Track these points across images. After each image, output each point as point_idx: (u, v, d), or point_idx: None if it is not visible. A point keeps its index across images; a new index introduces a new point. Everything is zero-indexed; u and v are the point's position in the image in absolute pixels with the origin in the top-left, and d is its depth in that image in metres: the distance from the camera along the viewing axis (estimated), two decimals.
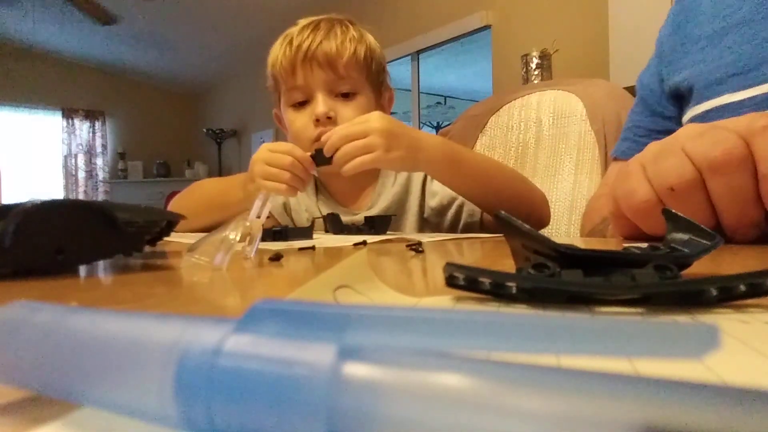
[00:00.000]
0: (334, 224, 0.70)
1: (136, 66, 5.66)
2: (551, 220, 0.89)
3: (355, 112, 0.81)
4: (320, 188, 0.95)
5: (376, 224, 0.65)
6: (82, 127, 5.81)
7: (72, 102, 5.70)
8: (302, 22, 0.88)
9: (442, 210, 0.85)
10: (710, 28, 0.61)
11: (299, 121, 0.85)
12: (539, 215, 0.81)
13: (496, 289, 0.18)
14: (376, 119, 0.66)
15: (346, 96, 0.84)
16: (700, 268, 0.24)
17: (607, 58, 2.28)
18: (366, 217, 0.68)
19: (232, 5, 4.12)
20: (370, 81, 0.88)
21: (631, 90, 0.87)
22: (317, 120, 0.81)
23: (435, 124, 5.44)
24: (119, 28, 4.60)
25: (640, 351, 0.07)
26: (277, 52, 0.85)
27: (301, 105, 0.85)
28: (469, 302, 0.19)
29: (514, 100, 1.10)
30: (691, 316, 0.17)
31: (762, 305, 0.18)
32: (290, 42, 0.84)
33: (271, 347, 0.08)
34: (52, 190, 5.58)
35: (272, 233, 0.55)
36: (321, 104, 0.81)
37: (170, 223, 0.37)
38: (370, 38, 0.90)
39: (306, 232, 0.59)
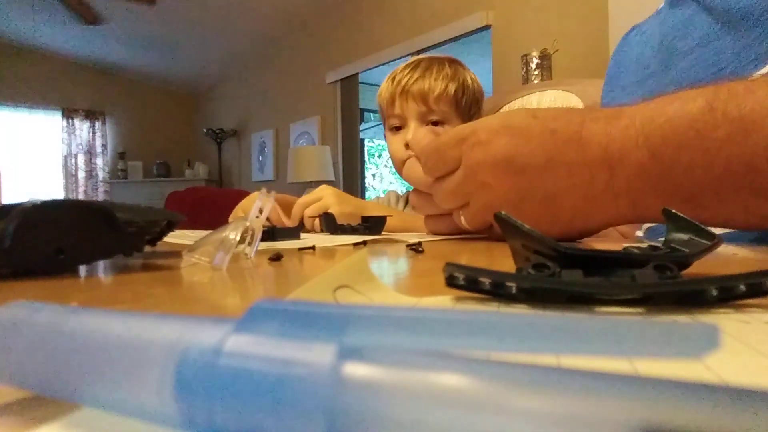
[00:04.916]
0: (329, 224, 0.70)
1: (137, 66, 5.67)
2: None
3: None
4: None
5: (371, 224, 0.64)
6: (82, 127, 5.81)
7: (72, 102, 5.70)
8: (408, 62, 1.07)
9: None
10: (633, 79, 0.68)
11: (394, 144, 1.05)
12: None
13: (496, 289, 0.18)
14: (324, 188, 0.87)
15: (436, 124, 1.01)
16: (700, 268, 0.24)
17: (607, 58, 2.28)
18: (362, 217, 0.68)
19: (233, 5, 4.12)
20: (459, 112, 1.02)
21: None
22: (407, 144, 0.98)
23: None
24: (119, 28, 4.60)
25: (640, 351, 0.07)
26: (383, 86, 1.05)
27: (398, 130, 1.05)
28: (469, 302, 0.19)
29: (514, 100, 1.10)
30: (691, 316, 0.17)
31: (762, 305, 0.18)
32: (393, 78, 1.03)
33: (271, 347, 0.08)
34: (52, 190, 5.57)
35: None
36: (411, 131, 0.99)
37: (170, 223, 0.37)
38: (467, 75, 1.04)
39: (293, 232, 0.58)
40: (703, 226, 0.24)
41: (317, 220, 0.80)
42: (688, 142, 0.34)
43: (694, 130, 0.34)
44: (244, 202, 0.89)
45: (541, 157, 0.41)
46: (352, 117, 4.01)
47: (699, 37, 0.56)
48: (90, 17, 4.07)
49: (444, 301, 0.20)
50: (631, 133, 0.38)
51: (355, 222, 0.68)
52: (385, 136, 1.14)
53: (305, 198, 0.86)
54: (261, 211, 0.39)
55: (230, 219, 0.82)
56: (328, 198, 0.85)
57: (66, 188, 5.70)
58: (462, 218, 0.50)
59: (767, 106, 0.31)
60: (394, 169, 1.14)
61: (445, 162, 0.47)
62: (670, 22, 0.63)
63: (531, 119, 0.43)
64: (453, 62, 1.05)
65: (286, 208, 0.85)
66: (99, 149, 5.92)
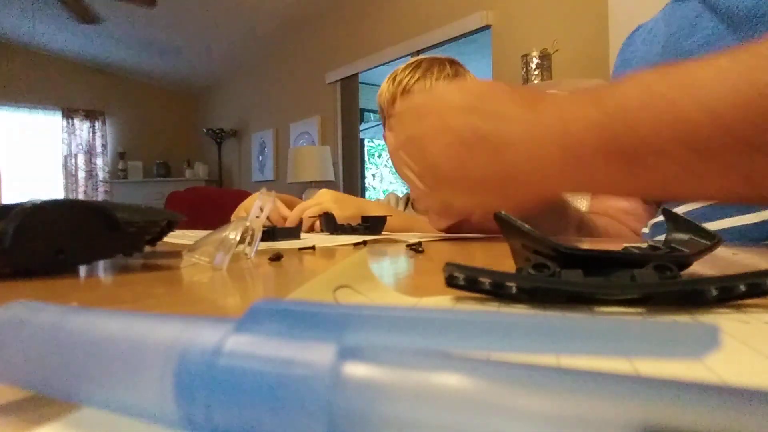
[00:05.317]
0: (329, 224, 0.70)
1: (137, 66, 5.66)
2: None
3: None
4: None
5: (371, 224, 0.64)
6: (82, 127, 5.81)
7: (72, 102, 5.70)
8: (408, 62, 1.06)
9: None
10: None
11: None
12: None
13: (496, 289, 0.18)
14: (323, 193, 0.87)
15: None
16: (700, 268, 0.24)
17: (607, 58, 2.28)
18: (362, 217, 0.68)
19: (233, 6, 4.12)
20: None
21: None
22: None
23: None
24: (120, 28, 4.60)
25: (640, 351, 0.07)
26: (384, 86, 1.04)
27: None
28: (469, 302, 0.19)
29: None
30: (691, 316, 0.17)
31: (762, 305, 0.18)
32: (394, 78, 1.02)
33: (271, 347, 0.08)
34: (52, 190, 5.57)
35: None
36: None
37: (170, 223, 0.37)
38: (467, 76, 1.04)
39: (293, 232, 0.58)
40: (703, 227, 0.24)
41: (317, 222, 0.80)
42: (638, 103, 0.34)
43: (646, 91, 0.33)
44: (246, 202, 0.89)
45: (495, 105, 0.41)
46: (352, 117, 4.01)
47: (704, 37, 0.57)
48: (88, 17, 4.06)
49: (444, 301, 0.19)
50: (585, 97, 0.37)
51: (356, 223, 0.68)
52: (384, 137, 1.13)
53: (304, 203, 0.86)
54: (261, 210, 0.39)
55: (232, 218, 0.82)
56: (327, 203, 0.85)
57: (66, 188, 5.70)
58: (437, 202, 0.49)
59: (710, 71, 0.31)
60: (394, 169, 1.17)
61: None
62: (676, 22, 0.63)
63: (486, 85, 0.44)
64: (453, 63, 1.05)
65: (289, 208, 0.85)
66: (99, 149, 5.92)
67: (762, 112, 0.28)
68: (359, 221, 0.67)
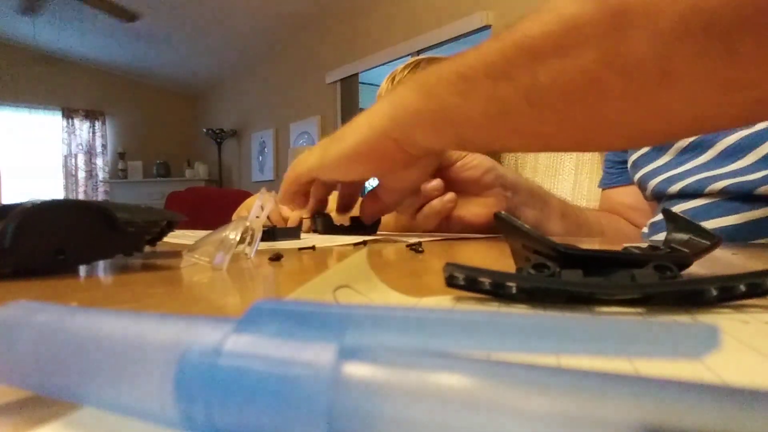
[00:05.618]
0: (325, 224, 0.69)
1: (136, 66, 5.66)
2: None
3: None
4: None
5: (360, 223, 0.63)
6: (82, 127, 5.81)
7: (72, 102, 5.70)
8: (407, 62, 1.05)
9: None
10: None
11: None
12: None
13: (496, 289, 0.18)
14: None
15: None
16: (700, 268, 0.24)
17: None
18: (351, 218, 0.66)
19: (233, 6, 4.12)
20: None
21: None
22: None
23: None
24: (119, 28, 4.60)
25: (640, 351, 0.07)
26: (383, 86, 1.03)
27: None
28: (469, 302, 0.19)
29: None
30: (691, 316, 0.17)
31: (762, 305, 0.18)
32: (393, 79, 1.01)
33: (271, 347, 0.08)
34: (52, 190, 5.57)
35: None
36: None
37: (170, 223, 0.37)
38: None
39: (294, 232, 0.58)
40: (703, 227, 0.24)
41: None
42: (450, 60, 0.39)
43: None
44: (248, 201, 0.89)
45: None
46: (352, 117, 3.95)
47: None
48: (126, 14, 4.06)
49: (444, 301, 0.20)
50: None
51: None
52: None
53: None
54: (262, 209, 0.39)
55: (234, 217, 0.81)
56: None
57: (66, 188, 5.70)
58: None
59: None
60: None
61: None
62: None
63: None
64: None
65: None
66: (99, 149, 5.92)
67: (510, 43, 0.33)
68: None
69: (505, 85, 0.34)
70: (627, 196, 0.79)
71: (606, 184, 0.83)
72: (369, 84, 4.17)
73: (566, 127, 0.35)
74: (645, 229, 0.68)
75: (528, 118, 0.34)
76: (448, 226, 0.65)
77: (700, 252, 0.22)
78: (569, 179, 0.98)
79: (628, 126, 0.33)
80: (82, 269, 0.32)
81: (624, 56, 0.28)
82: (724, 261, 0.32)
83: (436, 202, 0.62)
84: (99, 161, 5.93)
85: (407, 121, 0.42)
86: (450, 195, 0.63)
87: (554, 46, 0.31)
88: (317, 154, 0.51)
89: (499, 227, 0.25)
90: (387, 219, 0.69)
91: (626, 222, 0.78)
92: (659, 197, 0.66)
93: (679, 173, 0.62)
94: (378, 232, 0.65)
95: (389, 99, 0.43)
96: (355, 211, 0.70)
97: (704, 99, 0.29)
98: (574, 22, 0.30)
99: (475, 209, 0.64)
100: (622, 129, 0.34)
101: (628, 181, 0.77)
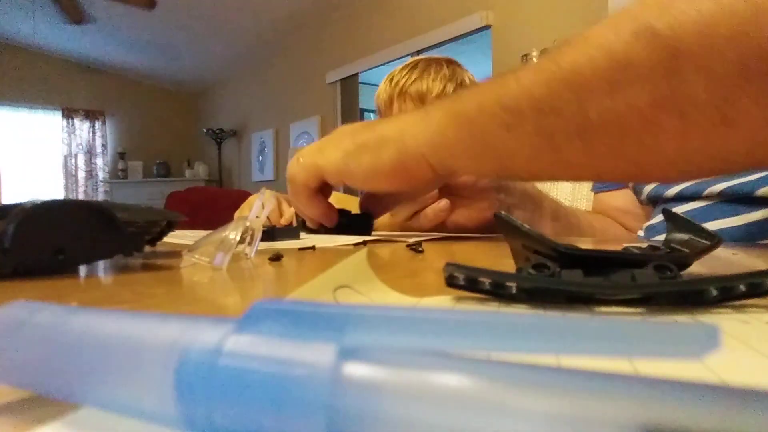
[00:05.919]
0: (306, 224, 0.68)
1: (137, 66, 5.66)
2: None
3: None
4: None
5: (353, 222, 0.62)
6: (82, 127, 5.80)
7: (72, 102, 5.70)
8: (405, 63, 1.06)
9: None
10: None
11: None
12: None
13: (496, 289, 0.18)
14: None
15: None
16: (700, 268, 0.24)
17: None
18: (346, 216, 0.62)
19: (233, 6, 4.12)
20: None
21: None
22: None
23: None
24: (120, 28, 4.60)
25: (640, 351, 0.07)
26: (381, 87, 1.03)
27: None
28: (469, 302, 0.19)
29: None
30: (691, 316, 0.17)
31: (762, 305, 0.18)
32: (391, 79, 1.02)
33: (271, 347, 0.08)
34: (52, 190, 5.57)
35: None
36: None
37: (170, 223, 0.37)
38: (465, 76, 1.04)
39: (294, 232, 0.58)
40: (702, 227, 0.24)
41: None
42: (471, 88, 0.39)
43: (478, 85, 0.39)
44: (251, 199, 0.88)
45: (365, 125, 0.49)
46: (352, 117, 4.01)
47: None
48: (77, 16, 4.05)
49: (444, 301, 0.20)
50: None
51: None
52: None
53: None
54: (263, 207, 0.39)
55: (236, 216, 0.81)
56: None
57: (66, 188, 5.70)
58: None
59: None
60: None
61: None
62: None
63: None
64: (451, 63, 1.04)
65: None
66: (99, 149, 5.92)
67: (558, 78, 0.32)
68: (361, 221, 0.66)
69: (554, 119, 0.33)
70: (619, 199, 0.79)
71: (599, 188, 0.83)
72: (369, 84, 4.17)
73: (619, 161, 0.34)
74: (641, 233, 0.68)
75: (578, 152, 0.34)
76: (441, 228, 0.66)
77: (700, 252, 0.22)
78: (569, 181, 0.98)
79: (684, 163, 0.32)
80: (82, 269, 0.32)
81: (680, 98, 0.28)
82: (724, 261, 0.32)
83: (429, 211, 0.63)
84: (99, 161, 5.93)
85: (447, 150, 0.41)
86: (444, 203, 0.63)
87: (605, 84, 0.30)
88: (332, 157, 0.50)
89: (499, 227, 0.25)
90: (381, 219, 0.69)
91: (619, 225, 0.78)
92: (655, 201, 0.66)
93: None
94: (375, 233, 0.64)
95: (424, 121, 0.42)
96: (354, 209, 0.69)
97: (764, 138, 0.28)
98: (627, 61, 0.29)
99: (468, 213, 0.64)
100: (677, 165, 0.33)
101: (621, 185, 0.77)
